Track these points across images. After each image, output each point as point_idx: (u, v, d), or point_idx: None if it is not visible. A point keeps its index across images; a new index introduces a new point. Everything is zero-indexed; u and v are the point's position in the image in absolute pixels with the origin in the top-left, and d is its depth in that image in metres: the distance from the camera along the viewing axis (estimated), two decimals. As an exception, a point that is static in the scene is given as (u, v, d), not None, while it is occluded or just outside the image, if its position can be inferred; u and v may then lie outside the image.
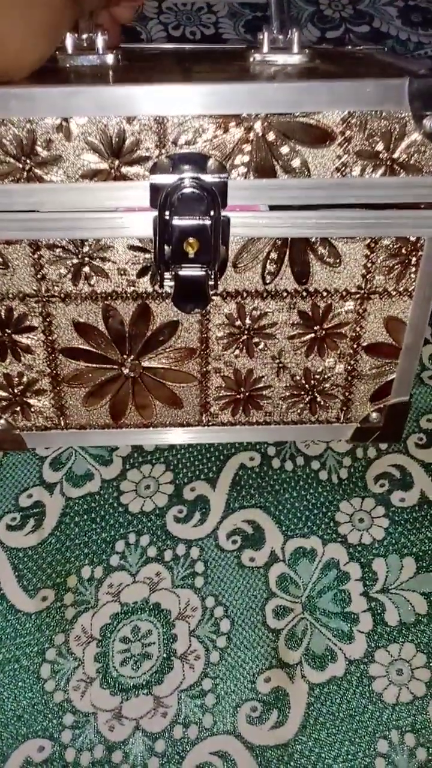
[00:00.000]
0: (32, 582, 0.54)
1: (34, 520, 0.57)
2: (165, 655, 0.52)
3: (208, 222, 0.41)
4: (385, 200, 0.43)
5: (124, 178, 0.41)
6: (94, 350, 0.48)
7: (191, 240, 0.42)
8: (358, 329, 0.49)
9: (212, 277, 0.44)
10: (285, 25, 0.45)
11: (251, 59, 0.47)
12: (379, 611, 0.54)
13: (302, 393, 0.52)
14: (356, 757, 0.49)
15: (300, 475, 0.60)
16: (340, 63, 0.49)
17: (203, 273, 0.43)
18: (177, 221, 0.41)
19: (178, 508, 0.58)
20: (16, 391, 0.50)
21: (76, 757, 0.48)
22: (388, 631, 0.53)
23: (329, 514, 0.58)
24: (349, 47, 0.55)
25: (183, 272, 0.43)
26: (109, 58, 0.46)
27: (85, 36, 0.47)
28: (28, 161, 0.40)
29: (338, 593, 0.55)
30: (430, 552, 0.56)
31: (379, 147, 0.41)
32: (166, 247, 0.42)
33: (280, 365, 0.50)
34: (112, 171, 0.41)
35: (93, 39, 0.46)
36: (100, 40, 0.46)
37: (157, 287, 0.46)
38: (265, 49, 0.46)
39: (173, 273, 0.43)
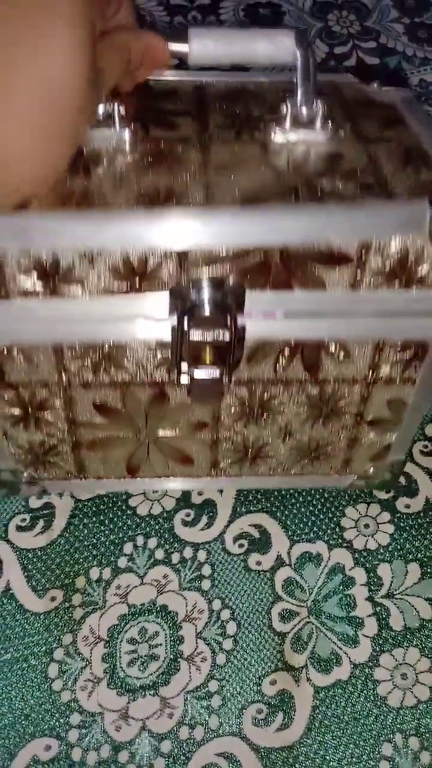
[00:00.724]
0: (41, 582, 0.54)
1: (44, 521, 0.57)
2: (172, 657, 0.52)
3: (225, 333, 0.42)
4: (398, 312, 0.44)
5: (144, 290, 0.42)
6: (113, 425, 0.50)
7: (208, 348, 0.42)
8: (362, 407, 0.50)
9: (227, 376, 0.45)
10: (309, 98, 0.44)
11: (272, 135, 0.45)
12: (384, 616, 0.54)
13: (305, 454, 0.55)
14: (361, 760, 0.49)
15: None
16: (361, 136, 0.46)
17: (218, 375, 0.44)
18: (194, 331, 0.42)
19: (186, 511, 0.59)
20: (38, 453, 0.52)
21: (82, 756, 0.49)
22: (393, 635, 0.53)
23: (335, 519, 0.59)
24: (373, 86, 0.51)
25: (199, 374, 0.43)
26: (126, 136, 0.45)
27: (101, 110, 0.44)
28: (49, 282, 0.41)
29: (344, 597, 0.55)
30: (434, 558, 0.57)
31: (396, 266, 0.41)
32: (183, 352, 0.43)
33: (286, 433, 0.52)
34: (133, 288, 0.42)
35: (109, 112, 0.44)
36: (116, 114, 0.44)
37: (173, 379, 0.47)
38: (287, 125, 0.45)
39: (189, 374, 0.44)
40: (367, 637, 0.54)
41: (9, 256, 0.39)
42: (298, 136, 0.45)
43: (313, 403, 0.50)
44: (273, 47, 0.42)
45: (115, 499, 0.59)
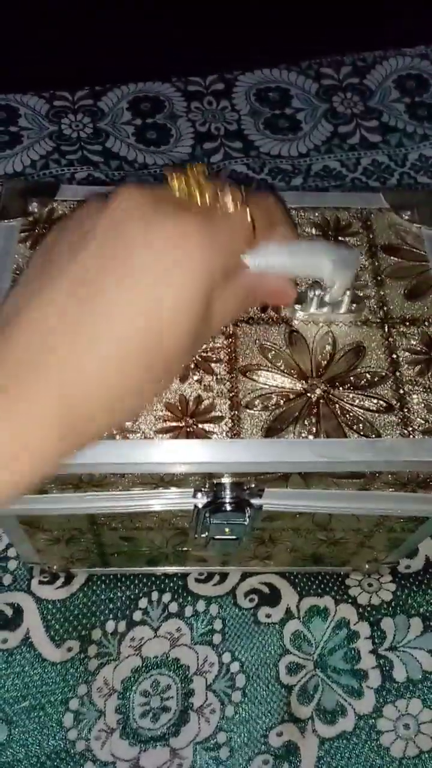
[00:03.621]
0: (59, 633, 0.57)
1: (64, 576, 0.60)
2: (182, 709, 0.55)
3: (244, 519, 0.45)
4: (406, 499, 0.46)
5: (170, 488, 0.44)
6: (137, 546, 0.54)
7: (227, 529, 0.47)
8: (364, 542, 0.54)
9: (243, 538, 0.49)
10: (338, 296, 0.42)
11: (295, 320, 0.43)
12: (387, 668, 0.56)
13: (307, 560, 0.59)
14: None
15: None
16: (387, 317, 0.44)
17: (236, 540, 0.49)
18: (215, 520, 0.45)
19: (200, 570, 0.62)
20: (66, 558, 0.57)
21: (96, 804, 0.51)
22: (396, 687, 0.55)
23: (340, 579, 0.61)
24: (404, 221, 0.47)
25: (218, 538, 0.49)
26: None
27: None
28: (81, 486, 0.44)
29: (349, 651, 0.57)
30: (437, 612, 0.59)
31: (407, 478, 0.43)
32: (204, 530, 0.48)
33: (292, 550, 0.56)
34: (159, 487, 0.44)
35: None
36: None
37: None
38: (312, 309, 0.43)
39: (209, 537, 0.49)
40: (371, 688, 0.55)
41: None
42: (324, 318, 0.43)
43: (320, 539, 0.53)
44: (315, 270, 0.38)
45: (130, 554, 0.62)
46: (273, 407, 0.40)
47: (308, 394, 0.40)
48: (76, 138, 0.84)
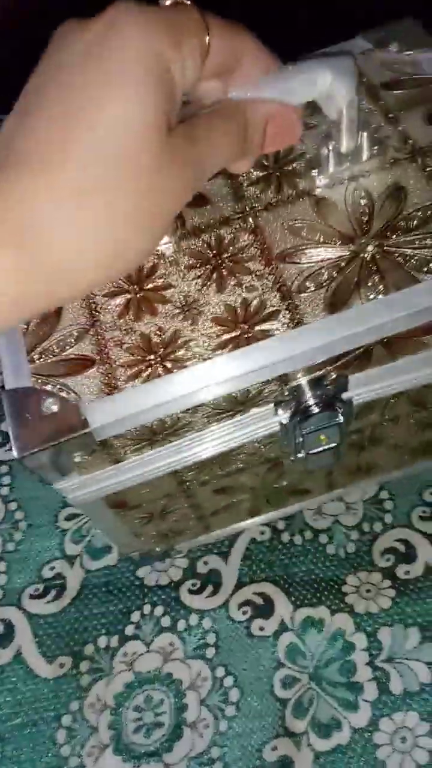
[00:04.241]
0: (51, 648, 0.57)
1: (55, 590, 0.60)
2: (175, 724, 0.54)
3: (338, 416, 0.41)
4: None
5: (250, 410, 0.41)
6: (234, 496, 0.52)
7: (322, 436, 0.43)
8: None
9: (342, 445, 0.45)
10: (354, 135, 0.38)
11: (317, 188, 0.41)
12: (383, 680, 0.55)
13: (414, 453, 0.55)
14: None
15: (309, 549, 0.62)
16: (415, 149, 0.41)
17: (334, 446, 0.45)
18: (307, 428, 0.41)
19: (192, 581, 0.61)
20: (167, 534, 0.55)
21: None
22: (393, 699, 0.54)
23: (336, 586, 0.60)
24: (392, 52, 0.45)
25: (315, 451, 0.44)
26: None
27: None
28: (157, 437, 0.40)
29: (344, 663, 0.56)
30: (434, 622, 0.58)
31: None
32: (298, 446, 0.43)
33: (398, 445, 0.52)
34: (238, 412, 0.40)
35: None
36: None
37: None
38: (331, 169, 0.40)
39: (306, 453, 0.45)
40: (367, 701, 0.54)
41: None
42: (348, 174, 0.40)
43: (424, 422, 0.49)
44: (312, 88, 0.34)
45: (123, 569, 0.61)
46: (327, 282, 0.37)
47: (361, 255, 0.38)
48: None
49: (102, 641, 0.58)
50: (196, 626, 0.58)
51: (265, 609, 0.59)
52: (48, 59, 0.28)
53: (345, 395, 0.41)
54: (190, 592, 0.60)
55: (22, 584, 0.60)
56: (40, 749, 0.53)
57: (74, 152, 0.26)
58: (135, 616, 0.59)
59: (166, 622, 0.59)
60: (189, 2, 0.30)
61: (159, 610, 0.59)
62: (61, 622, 0.58)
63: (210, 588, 0.60)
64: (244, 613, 0.59)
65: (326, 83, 0.33)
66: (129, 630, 0.58)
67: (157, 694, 0.55)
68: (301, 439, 0.42)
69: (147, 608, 0.59)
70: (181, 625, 0.58)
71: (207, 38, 0.29)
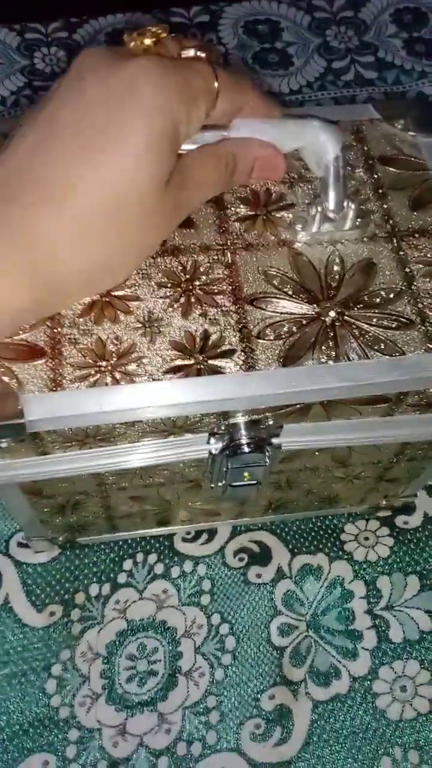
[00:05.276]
0: (40, 597, 0.55)
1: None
2: (170, 672, 0.53)
3: (264, 459, 0.42)
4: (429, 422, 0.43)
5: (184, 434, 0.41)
6: (147, 506, 0.52)
7: (246, 473, 0.44)
8: (383, 474, 0.51)
9: (261, 482, 0.46)
10: (340, 201, 0.39)
11: (297, 242, 0.41)
12: (383, 628, 0.54)
13: (324, 502, 0.56)
14: (360, 775, 0.49)
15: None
16: (394, 230, 0.41)
17: (256, 485, 0.46)
18: (234, 463, 0.42)
19: (186, 529, 0.59)
20: (73, 527, 0.54)
21: (81, 772, 0.49)
22: (392, 648, 0.53)
23: (335, 534, 0.58)
24: (398, 129, 0.45)
25: (236, 484, 0.45)
26: None
27: None
28: (88, 441, 0.40)
29: (343, 611, 0.55)
30: (435, 570, 0.57)
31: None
32: (221, 477, 0.45)
33: (309, 492, 0.53)
34: (172, 435, 0.41)
35: None
36: None
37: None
38: (315, 228, 0.40)
39: (227, 485, 0.46)
40: (367, 650, 0.53)
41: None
42: (328, 237, 0.41)
43: (338, 477, 0.51)
44: (301, 138, 0.39)
45: (114, 514, 0.59)
46: (286, 335, 0.37)
47: (322, 318, 0.38)
48: (50, 73, 0.79)
49: (93, 589, 0.55)
50: (190, 573, 0.56)
51: (262, 556, 0.57)
52: (69, 90, 0.32)
53: (276, 441, 0.42)
54: (184, 540, 0.58)
55: (9, 531, 0.57)
56: (29, 699, 0.51)
57: (85, 189, 0.31)
58: (127, 564, 0.57)
59: (159, 569, 0.57)
60: (204, 55, 0.35)
61: (152, 557, 0.57)
62: (51, 570, 0.56)
63: (205, 536, 0.58)
64: (241, 560, 0.57)
65: (315, 136, 0.38)
66: (121, 578, 0.56)
67: (150, 642, 0.54)
68: (225, 471, 0.43)
69: (140, 556, 0.57)
70: (175, 572, 0.56)
71: (215, 94, 0.34)
